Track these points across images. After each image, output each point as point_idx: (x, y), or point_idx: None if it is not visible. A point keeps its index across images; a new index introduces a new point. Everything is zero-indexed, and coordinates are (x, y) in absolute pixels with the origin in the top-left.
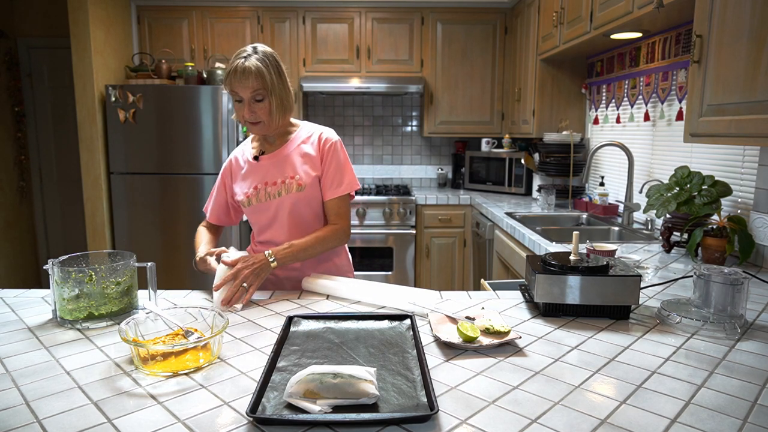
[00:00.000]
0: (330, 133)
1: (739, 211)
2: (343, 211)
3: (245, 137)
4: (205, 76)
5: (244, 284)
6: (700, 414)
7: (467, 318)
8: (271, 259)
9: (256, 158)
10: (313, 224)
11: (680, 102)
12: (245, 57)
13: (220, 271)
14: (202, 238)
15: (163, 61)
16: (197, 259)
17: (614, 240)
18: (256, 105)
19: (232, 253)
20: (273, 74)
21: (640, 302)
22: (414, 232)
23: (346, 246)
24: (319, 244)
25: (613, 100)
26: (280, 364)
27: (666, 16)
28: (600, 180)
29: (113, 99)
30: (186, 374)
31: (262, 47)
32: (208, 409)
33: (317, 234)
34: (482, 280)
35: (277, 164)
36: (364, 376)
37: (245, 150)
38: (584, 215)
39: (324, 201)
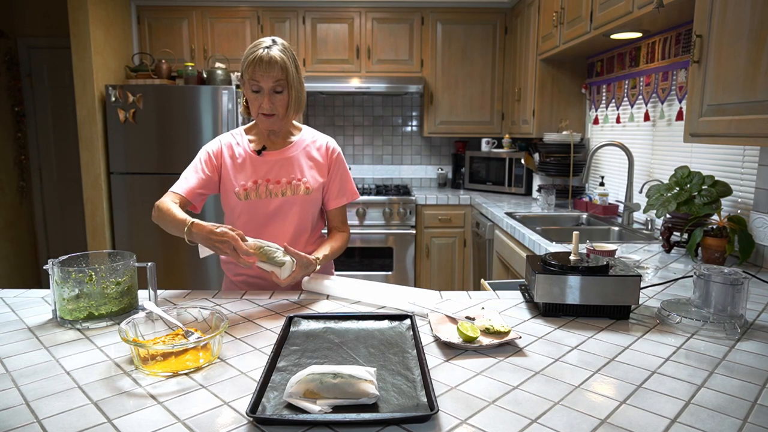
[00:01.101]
0: (334, 143)
1: (739, 211)
2: (346, 218)
3: None
4: (205, 76)
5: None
6: (700, 414)
7: (467, 318)
8: (318, 266)
9: (258, 152)
10: (314, 226)
11: (680, 102)
12: (267, 47)
13: (288, 266)
14: (180, 211)
15: (163, 61)
16: (196, 223)
17: (614, 240)
18: (275, 96)
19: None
20: (293, 67)
21: (640, 302)
22: (414, 232)
23: None
24: (340, 250)
25: (613, 100)
26: (280, 364)
27: (666, 16)
28: (600, 180)
29: (113, 99)
30: (186, 374)
31: (280, 39)
32: (208, 409)
33: (340, 243)
34: (482, 280)
35: (281, 163)
36: (364, 376)
37: (239, 140)
38: (584, 215)
39: (328, 209)
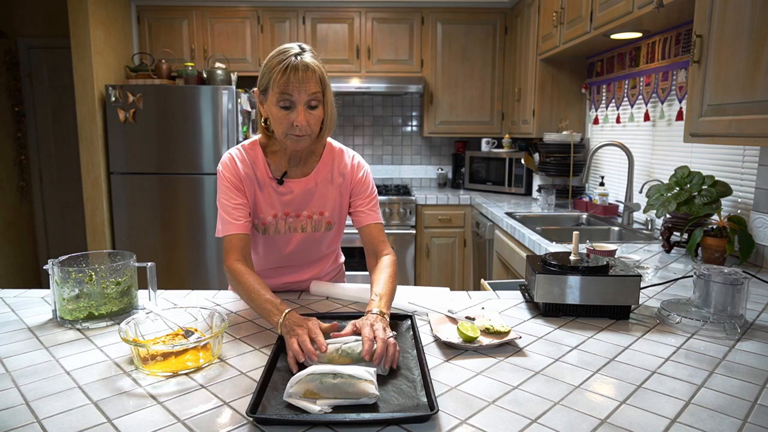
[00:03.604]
0: (360, 159)
1: (739, 211)
2: (384, 236)
3: (245, 138)
4: (205, 76)
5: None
6: (700, 414)
7: (467, 318)
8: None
9: (280, 181)
10: (331, 256)
11: (680, 102)
12: (297, 54)
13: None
14: (258, 282)
15: (163, 61)
16: (287, 318)
17: (614, 240)
18: (310, 113)
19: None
20: (327, 79)
21: (640, 302)
22: (414, 232)
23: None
24: (396, 279)
25: (613, 100)
26: (280, 364)
27: (666, 16)
28: (600, 180)
29: (113, 99)
30: (186, 374)
31: (308, 46)
32: (208, 409)
33: (392, 273)
34: (482, 280)
35: (303, 195)
36: (364, 376)
37: (256, 160)
38: (584, 215)
39: (362, 226)
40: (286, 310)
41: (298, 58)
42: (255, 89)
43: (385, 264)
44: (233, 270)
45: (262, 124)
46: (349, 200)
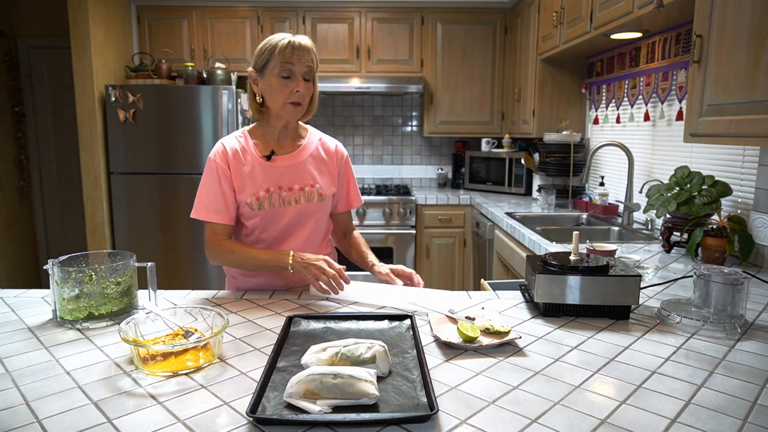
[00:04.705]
0: (342, 147)
1: (739, 211)
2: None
3: None
4: (205, 76)
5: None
6: (700, 414)
7: (467, 318)
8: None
9: (268, 157)
10: (326, 232)
11: (680, 102)
12: (292, 34)
13: (381, 355)
14: (251, 246)
15: (163, 61)
16: (297, 255)
17: (614, 240)
18: (305, 84)
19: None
20: (317, 62)
21: (640, 302)
22: (414, 232)
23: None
24: None
25: (613, 100)
26: (280, 364)
27: (666, 16)
28: (600, 180)
29: (113, 99)
30: (186, 374)
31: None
32: (208, 409)
33: (366, 242)
34: (482, 280)
35: (293, 168)
36: (364, 377)
37: (245, 144)
38: (584, 215)
39: (340, 212)
40: (292, 252)
41: (296, 38)
42: (249, 69)
43: (360, 237)
44: (222, 244)
45: (258, 100)
46: (336, 183)
